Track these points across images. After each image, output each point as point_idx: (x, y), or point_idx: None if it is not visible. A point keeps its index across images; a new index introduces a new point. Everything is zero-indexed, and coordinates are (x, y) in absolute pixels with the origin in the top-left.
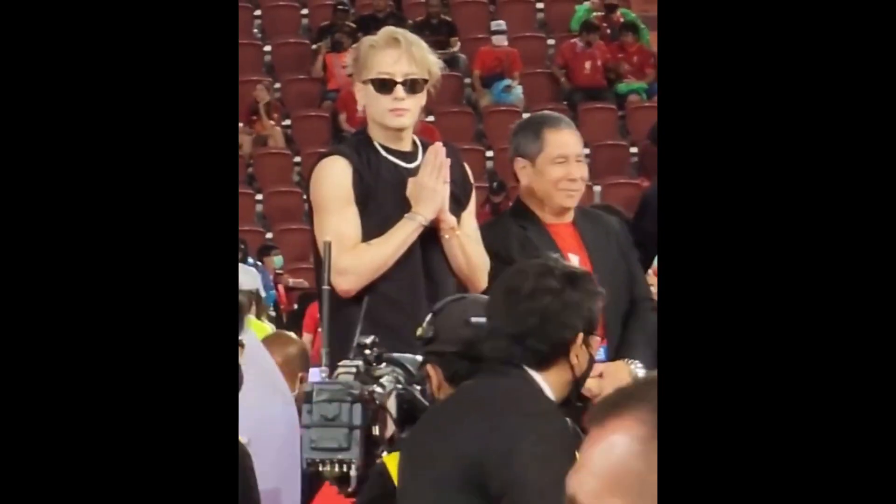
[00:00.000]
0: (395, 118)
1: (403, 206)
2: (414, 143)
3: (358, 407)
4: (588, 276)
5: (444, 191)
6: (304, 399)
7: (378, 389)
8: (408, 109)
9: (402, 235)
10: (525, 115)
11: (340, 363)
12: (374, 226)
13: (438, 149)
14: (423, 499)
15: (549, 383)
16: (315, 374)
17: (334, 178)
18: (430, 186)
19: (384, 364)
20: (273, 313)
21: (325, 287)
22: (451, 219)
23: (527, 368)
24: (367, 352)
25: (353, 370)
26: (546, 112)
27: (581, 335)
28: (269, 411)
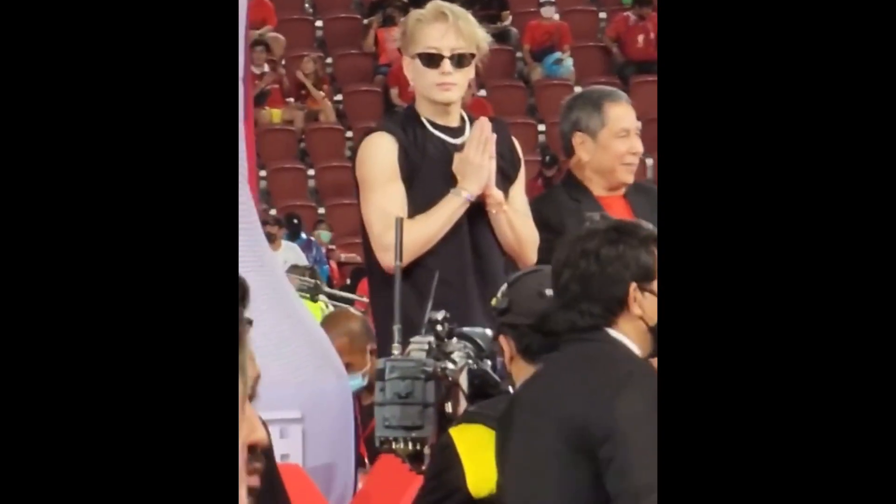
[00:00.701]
0: (441, 92)
1: (450, 182)
2: (462, 118)
3: (431, 384)
4: (633, 226)
5: (491, 166)
6: (375, 376)
7: (450, 366)
8: (455, 84)
9: (448, 211)
10: (577, 89)
11: (412, 339)
12: (420, 202)
13: (484, 123)
14: (531, 471)
15: (630, 339)
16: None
17: (380, 154)
18: (476, 162)
19: (455, 339)
20: (326, 288)
21: (398, 263)
22: (499, 194)
23: (606, 330)
24: (439, 327)
25: (426, 347)
26: (601, 86)
27: (633, 285)
28: (322, 386)
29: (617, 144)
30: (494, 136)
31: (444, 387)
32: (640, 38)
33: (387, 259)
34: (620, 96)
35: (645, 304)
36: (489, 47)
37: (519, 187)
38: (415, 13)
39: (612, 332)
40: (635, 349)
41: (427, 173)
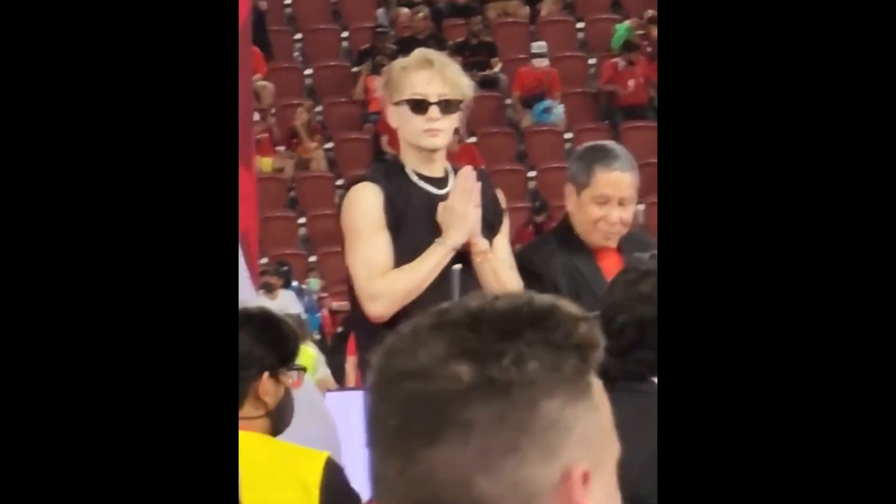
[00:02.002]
0: (429, 138)
1: (435, 232)
2: (445, 169)
3: None
4: None
5: (475, 215)
6: None
7: None
8: (442, 129)
9: (434, 260)
10: (567, 136)
11: None
12: (406, 252)
13: (468, 173)
14: None
15: None
16: (354, 397)
17: (365, 204)
18: (461, 211)
19: None
20: (318, 336)
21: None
22: (483, 242)
23: (653, 380)
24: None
25: None
26: (609, 146)
27: None
28: (311, 437)
29: (592, 209)
30: (479, 184)
31: None
32: (631, 82)
33: (373, 308)
34: (617, 162)
35: None
36: (474, 94)
37: (503, 237)
38: (399, 62)
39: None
40: None
41: (412, 223)
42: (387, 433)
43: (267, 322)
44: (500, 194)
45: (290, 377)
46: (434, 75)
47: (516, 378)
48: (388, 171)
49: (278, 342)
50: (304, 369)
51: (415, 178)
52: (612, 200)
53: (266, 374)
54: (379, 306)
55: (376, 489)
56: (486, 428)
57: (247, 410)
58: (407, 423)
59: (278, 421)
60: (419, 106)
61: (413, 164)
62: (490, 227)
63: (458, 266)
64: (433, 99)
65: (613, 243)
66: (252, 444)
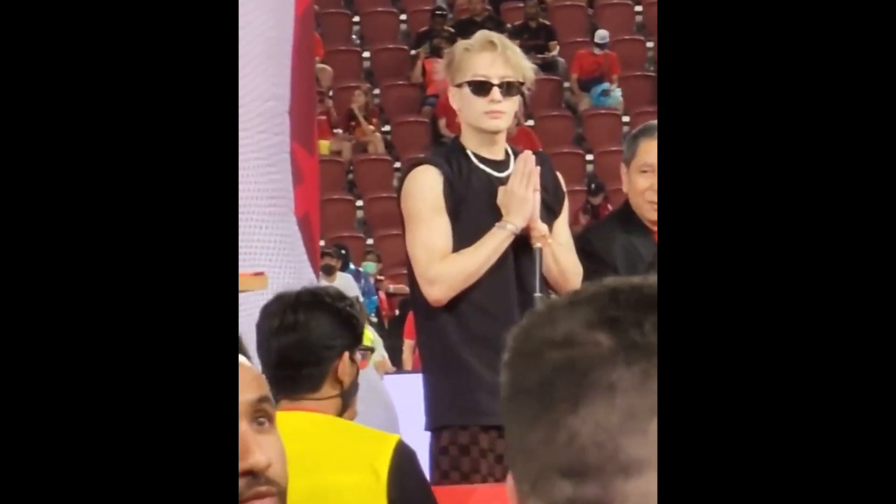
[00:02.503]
0: (491, 120)
1: (495, 216)
2: (506, 151)
3: None
4: None
5: (535, 199)
6: None
7: None
8: (504, 112)
9: (493, 244)
10: (625, 119)
11: None
12: (465, 235)
13: (528, 157)
14: None
15: None
16: (412, 381)
17: (425, 187)
18: (521, 195)
19: None
20: (374, 319)
21: (537, 295)
22: (543, 227)
23: None
24: None
25: None
26: (655, 122)
27: None
28: (371, 420)
29: (639, 179)
30: (538, 169)
31: None
32: None
33: (432, 292)
34: (657, 133)
35: None
36: (535, 77)
37: (563, 220)
38: (462, 43)
39: None
40: None
41: (472, 206)
42: (530, 402)
43: (343, 302)
44: (560, 177)
45: (358, 356)
46: (497, 57)
47: (657, 342)
48: (449, 154)
49: (353, 322)
50: (371, 349)
51: (476, 161)
52: (656, 169)
53: (346, 354)
54: (438, 290)
55: (516, 460)
56: (631, 391)
57: (325, 390)
58: (551, 390)
59: (348, 401)
60: (482, 87)
61: (474, 147)
62: (550, 211)
63: (539, 245)
64: (495, 81)
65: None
66: (320, 426)
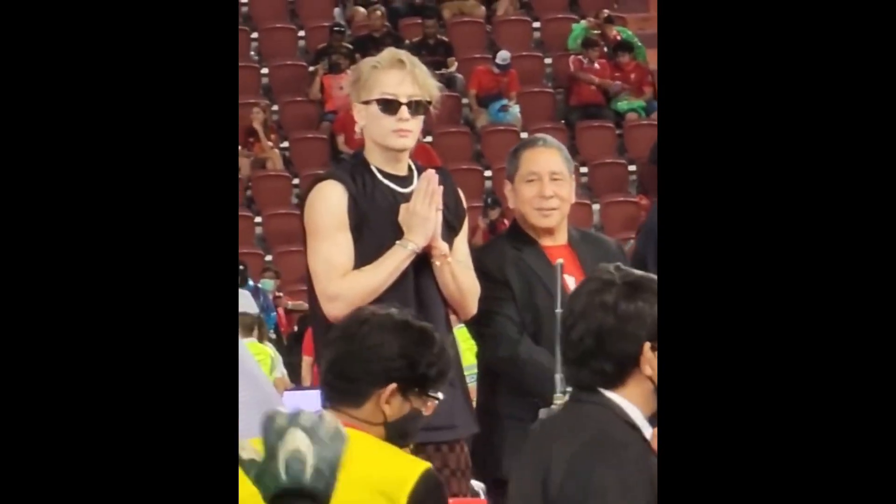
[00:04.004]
0: (398, 139)
1: (397, 232)
2: (409, 167)
3: None
4: (650, 281)
5: (437, 218)
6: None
7: None
8: (411, 131)
9: (394, 262)
10: (523, 135)
11: (570, 388)
12: (368, 251)
13: (431, 176)
14: None
15: (631, 400)
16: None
17: (329, 203)
18: (423, 214)
19: None
20: (273, 336)
21: (559, 311)
22: (444, 245)
23: (603, 391)
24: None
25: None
26: (538, 135)
27: (647, 344)
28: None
29: (524, 189)
30: (441, 188)
31: None
32: (596, 79)
33: (331, 309)
34: (538, 142)
35: (654, 363)
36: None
37: (462, 238)
38: (370, 60)
39: (614, 395)
40: (637, 412)
41: (375, 223)
42: None
43: (422, 340)
44: (461, 195)
45: (422, 401)
46: (405, 76)
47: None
48: (353, 169)
49: (421, 361)
50: (437, 398)
51: (380, 177)
52: (543, 176)
53: (394, 386)
54: (337, 307)
55: None
56: None
57: (366, 412)
58: None
59: (395, 437)
60: (390, 106)
61: (378, 163)
62: (451, 228)
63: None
64: (404, 99)
65: (553, 222)
66: (351, 444)
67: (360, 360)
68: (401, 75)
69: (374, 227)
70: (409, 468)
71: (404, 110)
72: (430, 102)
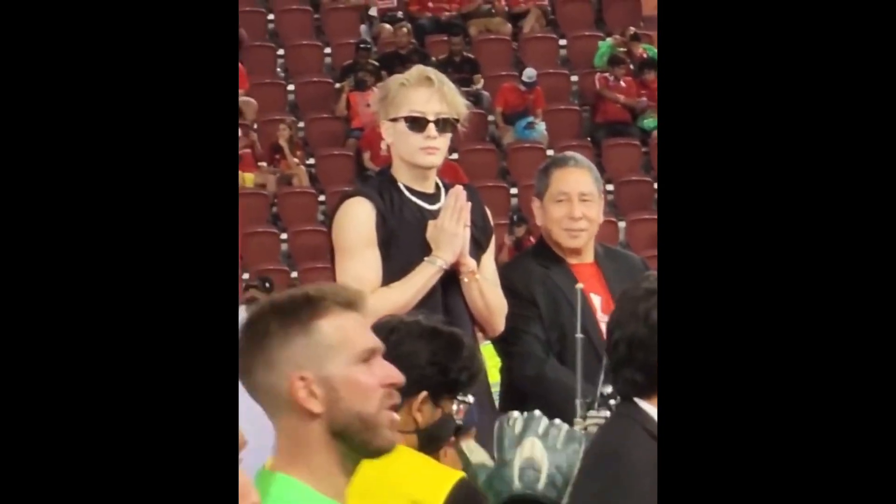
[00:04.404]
0: (426, 156)
1: (425, 249)
2: (437, 184)
3: None
4: None
5: (465, 235)
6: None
7: None
8: (438, 148)
9: (422, 279)
10: (549, 152)
11: (589, 413)
12: (396, 268)
13: (459, 192)
14: None
15: None
16: None
17: (357, 220)
18: (451, 231)
19: None
20: None
21: (579, 336)
22: (471, 262)
23: (637, 401)
24: (612, 401)
25: (601, 422)
26: (568, 153)
27: None
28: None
29: (554, 209)
30: (469, 204)
31: None
32: (621, 97)
33: None
34: (569, 161)
35: None
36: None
37: (489, 255)
38: (398, 77)
39: (645, 404)
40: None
41: (403, 240)
42: None
43: (451, 345)
44: (488, 212)
45: (454, 405)
46: (434, 93)
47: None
48: (381, 186)
49: (451, 367)
50: (468, 402)
51: (407, 194)
52: (573, 197)
53: (425, 394)
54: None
55: None
56: None
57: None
58: None
59: (427, 444)
60: (418, 123)
61: (405, 180)
62: (478, 245)
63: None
64: (431, 117)
65: (581, 242)
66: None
67: None
68: (429, 93)
69: (402, 243)
70: (443, 478)
71: (432, 128)
72: (457, 120)
